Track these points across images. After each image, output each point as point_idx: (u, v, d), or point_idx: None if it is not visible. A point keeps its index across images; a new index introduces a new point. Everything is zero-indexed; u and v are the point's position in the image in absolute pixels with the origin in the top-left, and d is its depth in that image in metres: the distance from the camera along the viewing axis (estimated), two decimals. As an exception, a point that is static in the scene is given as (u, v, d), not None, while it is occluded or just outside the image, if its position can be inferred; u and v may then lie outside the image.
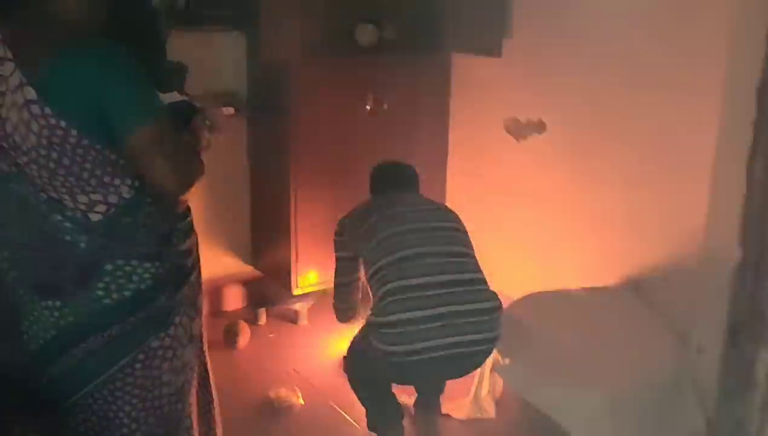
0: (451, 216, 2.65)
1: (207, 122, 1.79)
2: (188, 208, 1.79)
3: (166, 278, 1.67)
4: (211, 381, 1.98)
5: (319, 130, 3.36)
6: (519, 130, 3.33)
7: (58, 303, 1.59)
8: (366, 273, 2.56)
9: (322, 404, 3.00)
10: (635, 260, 2.97)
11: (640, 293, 2.92)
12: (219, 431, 2.01)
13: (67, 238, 1.56)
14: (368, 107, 3.43)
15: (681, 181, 2.73)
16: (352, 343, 2.64)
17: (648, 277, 2.91)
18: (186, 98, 2.12)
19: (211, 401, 1.98)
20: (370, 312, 2.44)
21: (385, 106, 3.47)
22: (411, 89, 3.57)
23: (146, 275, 1.63)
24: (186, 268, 1.74)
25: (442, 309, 2.34)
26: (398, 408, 2.68)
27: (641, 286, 2.93)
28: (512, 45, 3.30)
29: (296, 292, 3.49)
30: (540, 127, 3.25)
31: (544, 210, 3.28)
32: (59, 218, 1.55)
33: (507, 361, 2.63)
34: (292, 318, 3.66)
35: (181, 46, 3.14)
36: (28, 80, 1.47)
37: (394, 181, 2.83)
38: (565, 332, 2.75)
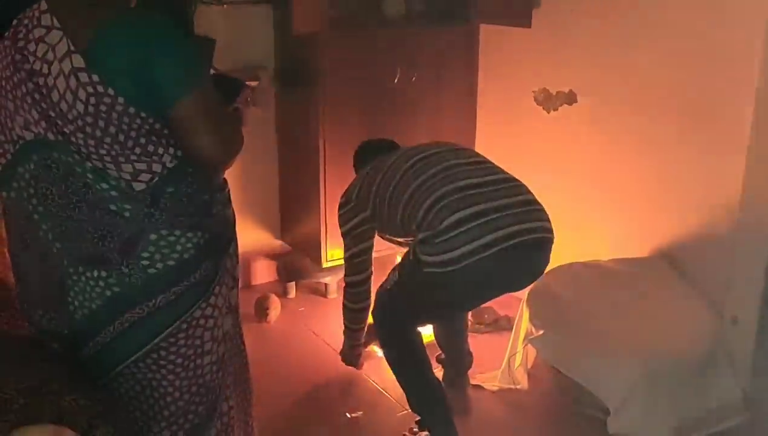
0: (470, 150, 2.67)
1: (249, 97, 1.80)
2: (225, 180, 1.80)
3: (208, 248, 1.67)
4: (246, 352, 2.00)
5: (348, 103, 3.35)
6: (549, 101, 3.30)
7: (103, 273, 1.60)
8: (389, 224, 2.54)
9: (354, 376, 3.02)
10: (668, 232, 2.95)
11: (673, 265, 2.90)
12: (253, 401, 2.03)
13: (112, 207, 1.57)
14: (396, 79, 3.41)
15: (716, 152, 2.70)
16: (380, 303, 2.59)
17: (682, 248, 2.89)
18: (220, 73, 2.13)
19: (247, 371, 1.99)
20: (414, 236, 2.39)
21: (414, 78, 3.45)
22: (439, 61, 3.55)
23: (189, 245, 1.63)
24: (225, 238, 1.75)
25: (495, 203, 2.32)
26: (440, 387, 2.60)
27: (675, 257, 2.91)
28: (541, 15, 3.26)
29: (325, 265, 3.50)
30: (570, 98, 3.22)
31: (575, 182, 3.25)
32: (104, 186, 1.56)
33: (540, 332, 2.63)
34: (321, 291, 3.68)
35: (208, 20, 3.17)
36: (75, 48, 1.48)
37: (380, 146, 2.88)
38: (598, 303, 2.74)
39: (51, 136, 1.55)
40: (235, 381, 1.92)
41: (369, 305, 2.80)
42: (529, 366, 2.90)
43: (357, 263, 2.80)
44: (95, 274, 1.61)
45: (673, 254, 2.93)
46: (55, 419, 1.50)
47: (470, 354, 2.91)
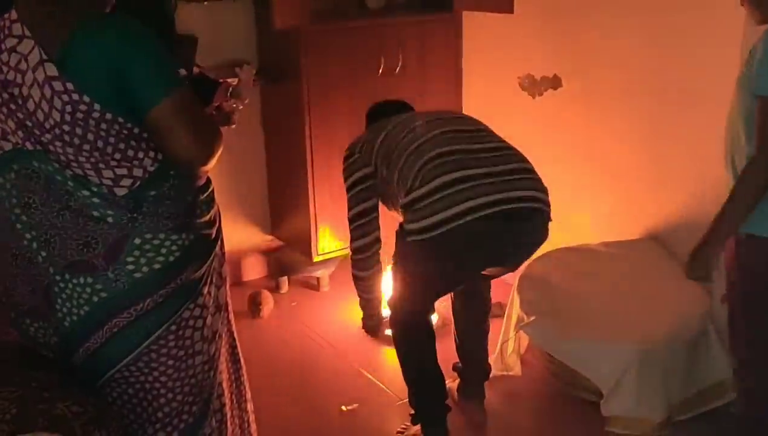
0: (474, 119, 2.57)
1: (228, 93, 1.79)
2: (209, 179, 1.80)
3: (193, 249, 1.67)
4: (238, 349, 2.00)
5: (333, 96, 3.35)
6: (534, 86, 3.30)
7: (89, 280, 1.60)
8: (387, 190, 2.45)
9: (349, 369, 3.03)
10: (658, 214, 2.96)
11: (663, 247, 2.91)
12: (248, 397, 2.03)
13: (95, 213, 1.57)
14: (380, 70, 3.40)
15: (704, 133, 2.70)
16: (392, 307, 2.49)
17: (671, 230, 2.90)
18: (202, 71, 2.12)
19: (240, 368, 2.00)
20: (403, 208, 2.31)
21: (398, 69, 3.44)
22: (423, 50, 3.54)
23: (174, 247, 1.63)
24: (211, 238, 1.75)
25: (482, 170, 2.23)
26: (443, 390, 2.51)
27: (664, 239, 2.92)
28: (523, 0, 3.26)
29: (317, 258, 3.50)
30: (555, 82, 3.22)
31: (561, 166, 3.26)
32: (85, 193, 1.55)
33: (532, 318, 2.64)
34: (314, 285, 3.68)
35: (189, 17, 3.16)
36: (48, 57, 1.47)
37: (391, 107, 2.78)
38: (589, 286, 2.76)
39: (29, 145, 1.55)
40: (229, 378, 1.93)
41: (380, 271, 2.70)
42: (521, 352, 2.91)
43: (361, 225, 2.59)
44: (81, 280, 1.61)
45: (663, 235, 2.94)
46: (48, 426, 1.50)
47: (489, 366, 2.75)
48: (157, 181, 1.60)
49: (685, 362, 2.52)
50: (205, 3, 3.27)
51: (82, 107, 1.48)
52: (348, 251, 3.61)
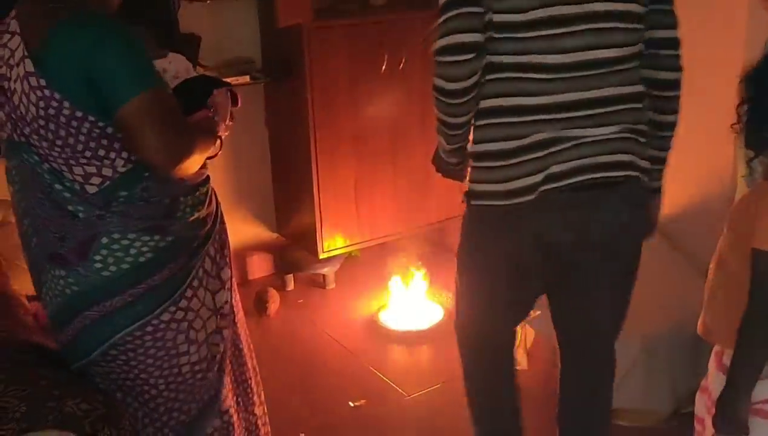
0: None
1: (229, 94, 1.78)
2: (205, 179, 1.76)
3: (171, 251, 1.65)
4: (246, 350, 1.97)
5: (337, 93, 3.35)
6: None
7: (63, 272, 1.63)
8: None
9: (357, 366, 3.04)
10: (660, 206, 2.95)
11: (666, 237, 2.91)
12: (257, 400, 2.02)
13: (69, 208, 1.59)
14: (383, 67, 3.41)
15: (707, 122, 2.69)
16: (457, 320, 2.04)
17: (674, 220, 2.89)
18: (203, 72, 2.10)
19: (246, 371, 1.97)
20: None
21: (401, 65, 3.44)
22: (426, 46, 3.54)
23: (145, 249, 1.62)
24: (196, 240, 1.72)
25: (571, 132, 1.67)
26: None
27: (667, 229, 2.92)
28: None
29: (322, 256, 3.51)
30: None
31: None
32: (59, 187, 1.58)
33: (538, 312, 2.64)
34: (320, 282, 3.69)
35: (192, 16, 3.16)
36: (28, 53, 1.50)
37: None
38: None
39: (15, 137, 1.59)
40: (236, 380, 1.92)
41: (469, 120, 1.76)
42: (528, 346, 2.91)
43: (458, 63, 1.63)
44: (57, 272, 1.64)
45: (666, 226, 2.94)
46: (57, 424, 1.51)
47: None
48: (128, 182, 1.59)
49: (691, 354, 2.52)
50: (208, 2, 3.28)
51: (54, 104, 1.50)
52: (352, 249, 3.65)
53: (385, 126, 3.49)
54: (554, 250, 1.77)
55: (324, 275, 3.67)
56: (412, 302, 3.40)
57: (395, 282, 3.41)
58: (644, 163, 1.79)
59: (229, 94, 1.84)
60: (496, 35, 1.63)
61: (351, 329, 3.31)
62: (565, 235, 1.74)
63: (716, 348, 1.69)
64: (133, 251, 1.61)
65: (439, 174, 2.01)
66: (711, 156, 2.68)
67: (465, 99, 1.69)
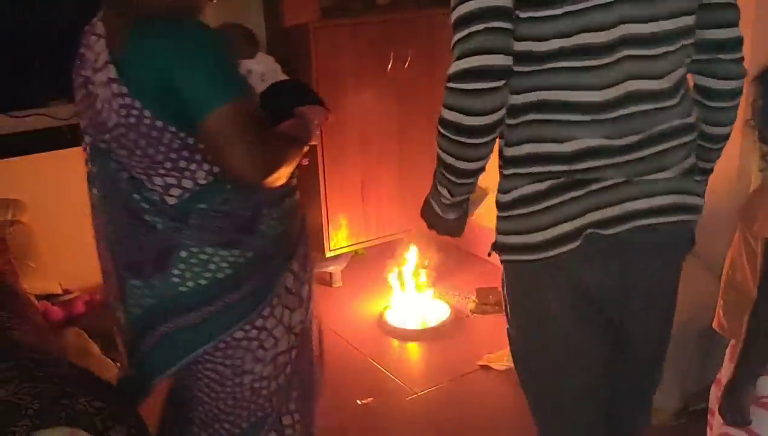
0: None
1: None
2: (291, 191, 1.69)
3: (249, 268, 1.59)
4: (317, 374, 1.90)
5: (343, 92, 3.36)
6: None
7: (139, 283, 1.58)
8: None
9: (363, 363, 3.05)
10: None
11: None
12: (316, 421, 1.94)
13: (147, 218, 1.53)
14: (389, 66, 3.41)
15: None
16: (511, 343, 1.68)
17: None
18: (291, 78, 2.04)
19: (317, 391, 1.91)
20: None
21: (407, 64, 3.45)
22: (432, 44, 3.54)
23: (224, 264, 1.55)
24: (276, 256, 1.64)
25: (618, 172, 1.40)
26: None
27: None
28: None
29: (329, 254, 3.52)
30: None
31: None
32: (137, 197, 1.52)
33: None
34: (327, 281, 3.70)
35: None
36: (111, 58, 1.44)
37: None
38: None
39: (99, 142, 1.54)
40: (303, 397, 1.85)
41: (484, 166, 1.43)
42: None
43: (478, 92, 1.30)
44: (135, 282, 1.59)
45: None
46: (69, 421, 1.52)
47: None
48: (208, 195, 1.52)
49: (699, 351, 2.52)
50: (214, 1, 3.28)
51: (135, 112, 1.43)
52: (358, 247, 3.66)
53: (391, 124, 3.50)
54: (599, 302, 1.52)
55: (330, 273, 3.68)
56: (419, 300, 3.41)
57: (402, 280, 3.42)
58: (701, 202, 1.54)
59: (321, 106, 1.78)
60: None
61: (357, 327, 3.31)
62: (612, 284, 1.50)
63: (732, 342, 1.69)
64: (211, 267, 1.55)
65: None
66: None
67: (487, 139, 1.35)
